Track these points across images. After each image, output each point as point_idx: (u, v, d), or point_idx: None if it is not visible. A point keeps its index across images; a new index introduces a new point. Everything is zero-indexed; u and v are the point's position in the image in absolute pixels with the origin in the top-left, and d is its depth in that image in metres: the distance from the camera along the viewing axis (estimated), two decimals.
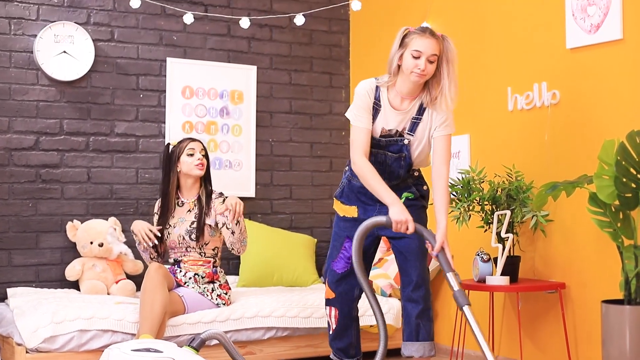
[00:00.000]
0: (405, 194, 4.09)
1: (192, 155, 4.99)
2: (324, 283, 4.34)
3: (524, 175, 4.80)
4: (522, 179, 4.76)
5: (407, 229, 3.82)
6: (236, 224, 4.79)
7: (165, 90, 5.93)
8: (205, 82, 6.05)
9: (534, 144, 4.87)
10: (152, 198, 5.81)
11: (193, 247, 4.95)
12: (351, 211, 4.21)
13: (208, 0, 6.10)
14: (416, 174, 4.17)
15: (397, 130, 4.06)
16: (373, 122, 4.06)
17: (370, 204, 4.13)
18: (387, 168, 4.09)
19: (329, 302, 4.27)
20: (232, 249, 4.90)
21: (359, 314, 4.36)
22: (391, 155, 4.07)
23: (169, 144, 5.13)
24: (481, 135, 5.30)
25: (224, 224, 4.88)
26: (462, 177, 4.86)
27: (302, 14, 6.14)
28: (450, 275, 3.74)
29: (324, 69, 6.53)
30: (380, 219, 3.83)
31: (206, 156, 5.07)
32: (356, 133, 4.03)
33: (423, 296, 4.09)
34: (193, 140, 5.08)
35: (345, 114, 4.17)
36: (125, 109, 5.80)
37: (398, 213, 3.81)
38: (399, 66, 4.03)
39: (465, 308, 3.69)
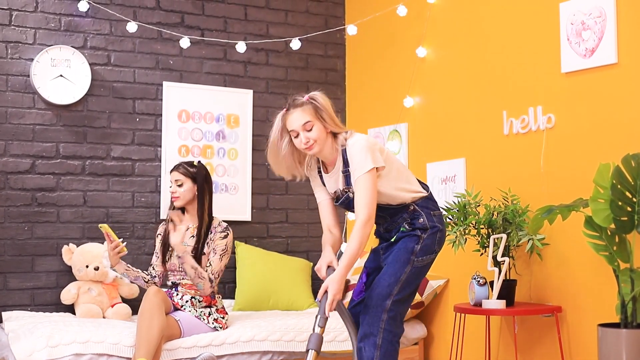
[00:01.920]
0: (401, 229, 4.06)
1: (171, 186, 5.03)
2: None
3: (520, 198, 4.81)
4: (518, 202, 4.76)
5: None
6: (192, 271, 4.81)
7: (161, 114, 5.95)
8: (202, 106, 6.06)
9: (529, 168, 4.88)
10: (149, 222, 5.81)
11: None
12: (374, 242, 4.28)
13: (204, 24, 6.12)
14: (411, 208, 4.05)
15: (340, 190, 4.07)
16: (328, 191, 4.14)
17: (384, 237, 4.16)
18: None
19: None
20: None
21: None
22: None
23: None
24: (477, 159, 5.31)
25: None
26: (458, 201, 4.87)
27: (298, 39, 6.19)
28: (317, 317, 3.80)
29: None
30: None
31: (195, 176, 4.99)
32: (319, 208, 4.22)
33: (366, 319, 3.93)
34: (173, 169, 5.05)
35: None
36: (122, 133, 5.80)
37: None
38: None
39: (310, 353, 3.75)
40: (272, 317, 5.31)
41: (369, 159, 3.87)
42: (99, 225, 4.80)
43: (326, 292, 3.86)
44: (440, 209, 4.17)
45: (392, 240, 4.05)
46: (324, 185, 4.14)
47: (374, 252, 4.22)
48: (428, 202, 4.09)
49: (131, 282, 5.05)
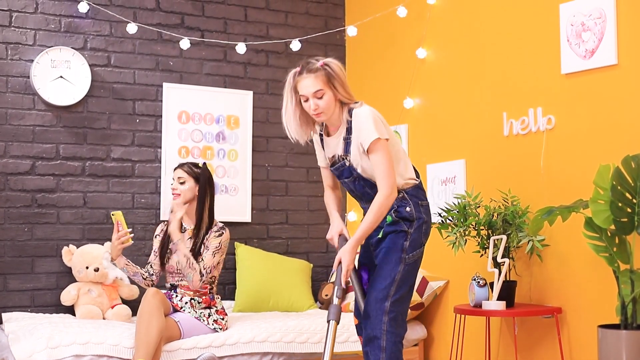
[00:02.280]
0: (381, 232, 4.03)
1: (172, 182, 5.07)
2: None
3: (520, 200, 4.80)
4: (518, 203, 4.76)
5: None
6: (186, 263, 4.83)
7: (161, 115, 5.94)
8: (202, 107, 6.06)
9: (529, 169, 4.88)
10: (149, 223, 5.81)
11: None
12: None
13: (204, 25, 6.12)
14: (400, 195, 4.00)
15: (338, 155, 4.07)
16: (325, 156, 4.18)
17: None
18: (356, 192, 4.12)
19: (357, 330, 4.20)
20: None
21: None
22: (348, 180, 4.08)
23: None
24: (477, 160, 5.30)
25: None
26: (458, 202, 4.86)
27: (298, 40, 6.19)
28: (336, 288, 3.86)
29: None
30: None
31: (198, 176, 5.02)
32: (321, 172, 4.31)
33: (368, 322, 3.91)
34: (178, 166, 5.09)
35: None
36: (122, 134, 5.80)
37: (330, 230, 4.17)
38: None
39: (331, 323, 3.80)
40: (272, 318, 5.31)
41: (377, 129, 3.89)
42: (112, 213, 4.81)
43: (340, 262, 3.92)
44: (428, 199, 4.15)
45: (380, 236, 4.01)
46: (323, 148, 4.16)
47: (363, 246, 4.19)
48: (418, 191, 4.07)
49: (129, 277, 5.05)
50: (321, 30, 6.49)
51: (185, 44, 5.90)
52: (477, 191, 4.92)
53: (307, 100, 3.94)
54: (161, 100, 5.95)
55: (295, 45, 6.16)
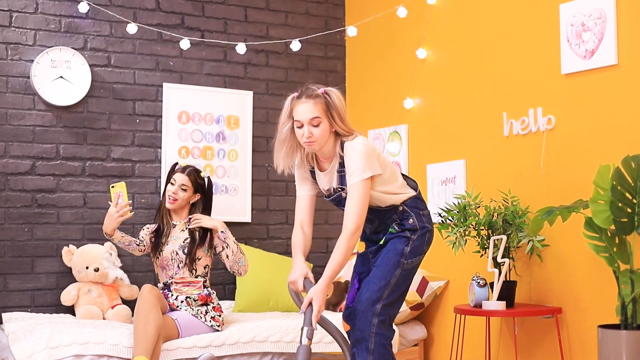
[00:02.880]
0: (390, 229, 4.02)
1: (172, 185, 5.10)
2: None
3: (520, 200, 4.80)
4: (518, 203, 4.76)
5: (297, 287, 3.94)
6: (227, 247, 4.92)
7: (161, 116, 5.94)
8: (202, 107, 6.06)
9: (529, 169, 4.88)
10: (148, 223, 5.79)
11: (185, 264, 4.97)
12: (360, 246, 4.24)
13: (204, 26, 6.12)
14: (400, 209, 4.01)
15: (333, 188, 4.01)
16: (317, 186, 4.08)
17: (372, 239, 4.13)
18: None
19: (348, 336, 4.14)
20: (232, 271, 5.02)
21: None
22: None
23: (177, 163, 5.26)
24: (477, 160, 5.30)
25: (223, 248, 4.98)
26: (458, 202, 4.87)
27: (298, 40, 6.19)
28: (304, 329, 3.75)
29: None
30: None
31: (198, 188, 5.14)
32: (296, 202, 4.13)
33: (356, 324, 3.89)
34: (183, 171, 5.14)
35: None
36: (122, 134, 5.80)
37: (291, 275, 3.97)
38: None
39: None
40: (273, 318, 5.30)
41: (367, 167, 3.81)
42: (113, 184, 4.82)
43: (310, 304, 3.79)
44: (428, 207, 4.14)
45: (381, 242, 4.01)
46: (315, 181, 4.08)
47: (361, 256, 4.17)
48: (417, 201, 4.05)
49: (124, 247, 5.03)
50: (321, 31, 6.49)
51: (185, 44, 5.90)
52: (477, 191, 4.92)
53: (301, 126, 3.82)
54: (161, 101, 5.95)
55: (296, 46, 6.16)
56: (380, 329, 3.86)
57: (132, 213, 4.88)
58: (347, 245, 3.81)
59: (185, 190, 5.07)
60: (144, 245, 5.08)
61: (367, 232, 4.10)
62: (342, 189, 3.95)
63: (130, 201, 4.88)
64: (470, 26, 5.40)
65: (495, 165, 5.14)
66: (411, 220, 3.98)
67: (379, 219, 4.03)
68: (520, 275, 4.89)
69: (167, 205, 5.09)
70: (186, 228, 5.07)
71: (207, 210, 5.17)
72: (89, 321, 5.06)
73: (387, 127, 6.03)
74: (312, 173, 4.08)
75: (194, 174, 5.11)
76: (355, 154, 3.82)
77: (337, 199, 4.03)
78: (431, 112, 5.73)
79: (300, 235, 4.07)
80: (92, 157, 5.70)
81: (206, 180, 5.20)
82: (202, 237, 5.00)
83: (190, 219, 5.08)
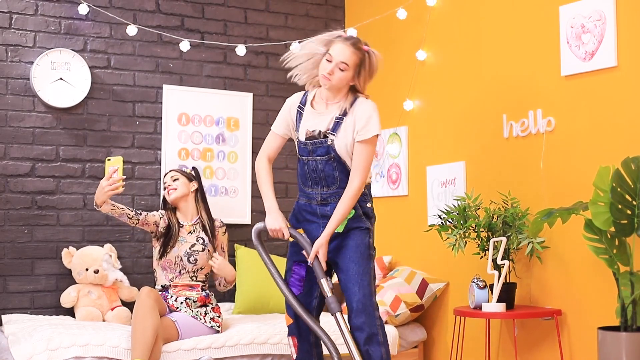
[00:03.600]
0: (342, 227, 4.05)
1: (165, 184, 5.22)
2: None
3: (520, 202, 4.80)
4: (518, 205, 4.76)
5: (283, 235, 4.04)
6: (219, 285, 5.08)
7: (161, 117, 5.94)
8: (202, 109, 6.06)
9: (529, 171, 4.87)
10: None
11: (187, 271, 4.99)
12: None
13: (204, 27, 6.12)
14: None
15: (319, 131, 4.05)
16: (298, 127, 4.11)
17: (314, 220, 4.12)
18: (320, 174, 4.07)
19: (289, 331, 4.24)
20: (215, 283, 5.13)
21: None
22: (320, 159, 4.05)
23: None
24: (477, 162, 5.29)
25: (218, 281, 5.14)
26: (458, 204, 4.87)
27: (298, 42, 6.13)
28: (323, 282, 3.96)
29: None
30: (259, 225, 4.14)
31: (190, 177, 5.22)
32: (268, 136, 4.23)
33: (364, 322, 3.97)
34: (167, 173, 5.27)
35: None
36: (122, 136, 5.80)
37: (272, 221, 4.05)
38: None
39: (338, 315, 3.92)
40: (273, 319, 5.30)
41: (378, 125, 4.02)
42: (109, 157, 4.81)
43: (316, 255, 3.98)
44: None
45: (340, 230, 4.04)
46: (297, 120, 4.12)
47: (297, 244, 4.17)
48: (370, 189, 4.20)
49: (117, 218, 5.02)
50: (321, 32, 6.42)
51: (185, 46, 5.90)
52: (477, 193, 4.93)
53: (330, 61, 3.94)
54: (161, 102, 5.94)
55: (295, 47, 6.14)
56: (381, 321, 4.03)
57: (124, 189, 4.83)
58: (354, 197, 3.97)
59: (176, 179, 5.15)
60: (138, 220, 5.05)
61: (316, 197, 4.09)
62: (329, 135, 4.01)
63: (125, 176, 4.88)
64: (470, 28, 5.39)
65: (495, 167, 5.12)
66: (369, 204, 4.12)
67: (338, 184, 4.06)
68: (520, 277, 4.89)
69: (169, 198, 5.13)
70: (193, 230, 5.10)
71: (203, 197, 5.24)
72: (88, 323, 5.06)
73: (386, 129, 6.03)
74: (298, 115, 4.12)
75: (177, 167, 5.23)
76: (372, 110, 4.04)
77: (316, 144, 4.05)
78: (431, 113, 5.72)
79: (268, 167, 4.20)
80: (92, 159, 5.69)
81: (192, 169, 5.31)
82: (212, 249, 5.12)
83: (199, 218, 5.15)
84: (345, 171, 4.04)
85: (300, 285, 4.17)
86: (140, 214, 5.06)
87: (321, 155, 4.03)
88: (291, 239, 4.11)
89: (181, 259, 4.96)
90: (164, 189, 5.20)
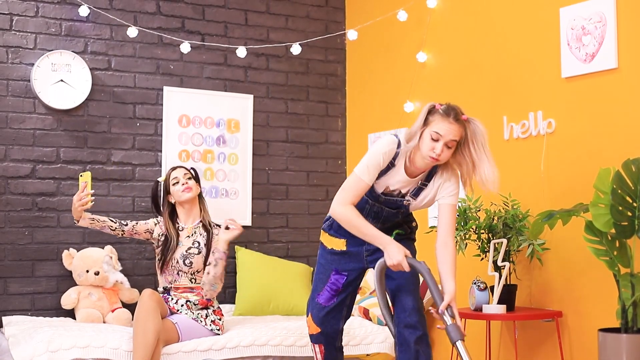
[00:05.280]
0: (395, 231, 4.06)
1: (177, 183, 5.08)
2: (307, 316, 4.28)
3: (520, 203, 4.78)
4: (519, 207, 4.75)
5: (404, 268, 3.80)
6: (215, 266, 4.90)
7: (162, 119, 5.93)
8: (202, 110, 6.06)
9: (530, 173, 4.86)
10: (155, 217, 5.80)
11: (185, 273, 4.99)
12: (340, 244, 4.16)
13: (205, 29, 6.11)
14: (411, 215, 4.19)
15: (400, 192, 4.00)
16: (379, 178, 3.95)
17: (359, 243, 4.09)
18: (381, 216, 4.06)
19: (314, 339, 4.23)
20: (202, 287, 4.97)
21: (343, 344, 4.41)
22: (388, 210, 4.04)
23: (157, 181, 5.27)
24: None
25: (211, 265, 4.96)
26: (459, 206, 4.83)
27: (299, 43, 6.18)
28: (459, 345, 3.65)
29: (320, 98, 6.53)
30: (381, 261, 3.84)
31: (196, 179, 5.20)
32: (354, 183, 3.91)
33: (419, 321, 4.01)
34: (174, 168, 5.20)
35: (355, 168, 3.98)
36: (122, 138, 5.79)
37: (394, 255, 3.77)
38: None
39: (459, 344, 3.66)
40: (273, 321, 5.31)
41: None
42: (81, 174, 4.84)
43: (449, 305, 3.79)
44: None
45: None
46: (383, 173, 3.94)
47: (348, 254, 4.13)
48: None
49: (100, 230, 5.04)
50: (321, 34, 6.49)
51: (185, 47, 5.90)
52: (477, 195, 4.89)
53: (437, 140, 3.75)
54: (162, 104, 5.93)
55: (296, 49, 6.17)
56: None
57: (93, 204, 4.83)
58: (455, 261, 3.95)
59: (190, 178, 5.13)
60: (123, 231, 5.03)
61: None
62: (408, 198, 3.97)
63: (93, 191, 4.88)
64: (471, 29, 5.39)
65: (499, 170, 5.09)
66: (414, 223, 4.20)
67: (398, 220, 4.11)
68: (521, 278, 4.88)
69: (182, 197, 5.07)
70: (193, 233, 5.07)
71: (202, 198, 5.26)
72: (89, 325, 5.06)
73: (387, 131, 6.01)
74: (386, 168, 3.95)
75: (182, 165, 5.30)
76: (457, 179, 3.97)
77: (392, 202, 4.00)
78: None
79: (355, 212, 3.94)
80: (92, 161, 5.69)
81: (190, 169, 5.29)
82: (206, 254, 5.02)
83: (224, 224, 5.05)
84: (408, 215, 4.11)
85: (333, 294, 4.15)
86: (126, 225, 5.03)
87: (391, 207, 4.02)
88: (407, 269, 3.84)
89: (177, 262, 4.97)
90: (174, 185, 5.10)
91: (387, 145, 3.90)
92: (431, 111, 3.83)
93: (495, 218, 4.77)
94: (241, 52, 6.03)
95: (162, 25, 5.98)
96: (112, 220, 5.01)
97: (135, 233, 5.06)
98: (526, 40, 4.94)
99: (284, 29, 6.41)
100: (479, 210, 4.86)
